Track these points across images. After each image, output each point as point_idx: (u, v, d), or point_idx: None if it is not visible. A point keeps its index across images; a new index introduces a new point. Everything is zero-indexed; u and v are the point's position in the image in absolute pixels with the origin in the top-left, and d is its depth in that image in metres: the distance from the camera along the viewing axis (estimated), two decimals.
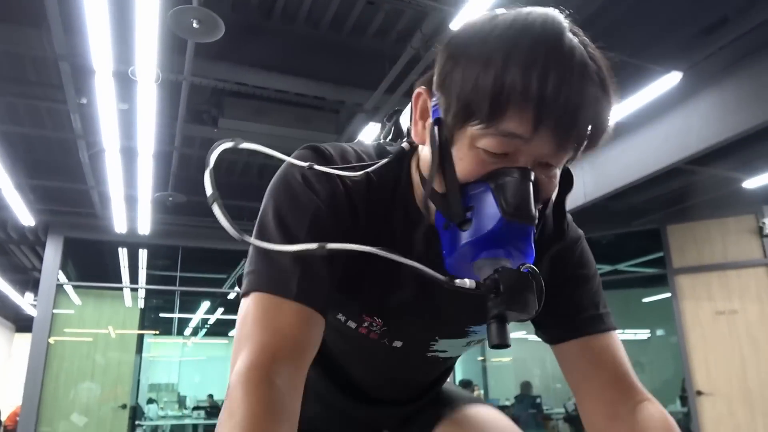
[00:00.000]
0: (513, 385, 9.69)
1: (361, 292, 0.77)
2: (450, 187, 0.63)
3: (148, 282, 8.65)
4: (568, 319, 0.81)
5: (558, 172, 0.65)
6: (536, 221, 0.60)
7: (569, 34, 0.59)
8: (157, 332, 9.86)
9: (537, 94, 0.56)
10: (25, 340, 10.05)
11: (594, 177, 5.06)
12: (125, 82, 3.68)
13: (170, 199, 5.55)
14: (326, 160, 0.72)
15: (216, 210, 0.65)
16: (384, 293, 0.77)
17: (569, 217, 0.82)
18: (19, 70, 4.17)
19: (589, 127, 0.59)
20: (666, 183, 5.14)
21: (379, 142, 0.81)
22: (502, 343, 0.57)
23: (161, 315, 10.17)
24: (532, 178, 0.60)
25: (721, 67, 3.93)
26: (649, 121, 4.45)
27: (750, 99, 3.80)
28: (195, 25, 2.90)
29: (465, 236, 0.61)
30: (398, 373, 0.93)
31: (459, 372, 9.90)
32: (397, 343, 0.85)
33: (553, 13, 0.61)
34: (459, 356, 0.96)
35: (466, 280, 0.60)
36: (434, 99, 0.66)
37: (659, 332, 10.72)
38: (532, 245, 0.61)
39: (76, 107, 4.02)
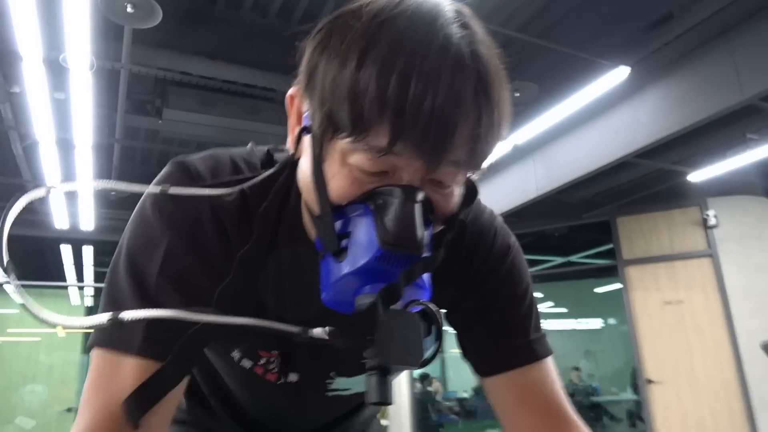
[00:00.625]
0: (472, 377, 9.78)
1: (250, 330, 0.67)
2: (322, 209, 0.53)
3: (96, 279, 8.32)
4: (493, 349, 0.71)
5: (456, 189, 0.55)
6: (423, 249, 0.49)
7: (451, 28, 0.49)
8: None
9: (394, 103, 0.46)
10: None
11: (545, 170, 5.10)
12: (60, 70, 3.48)
13: (113, 192, 5.31)
14: (191, 178, 0.61)
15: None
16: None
17: (498, 224, 0.74)
18: None
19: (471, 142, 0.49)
20: (615, 176, 5.22)
21: (269, 149, 0.69)
22: (382, 401, 0.48)
23: None
24: (419, 198, 0.50)
25: (667, 62, 3.98)
26: (598, 115, 4.49)
27: (695, 94, 3.87)
28: (129, 9, 2.74)
29: (341, 268, 0.51)
30: (301, 412, 0.84)
31: None
32: (293, 377, 0.75)
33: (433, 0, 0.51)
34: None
35: (321, 330, 0.50)
36: (306, 102, 0.56)
37: (611, 321, 11.00)
38: (424, 277, 0.52)
39: (6, 96, 3.78)
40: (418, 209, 0.49)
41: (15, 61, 3.49)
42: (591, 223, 6.51)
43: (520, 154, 5.20)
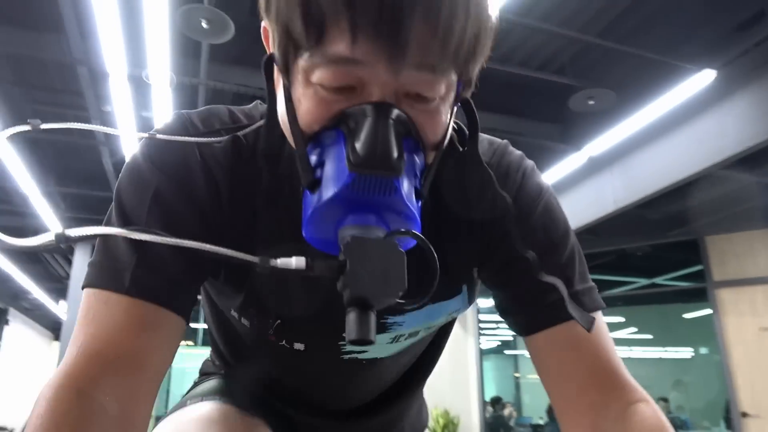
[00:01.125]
0: (548, 403, 9.38)
1: (245, 280, 0.64)
2: (295, 139, 0.50)
3: None
4: (532, 302, 0.65)
5: (441, 106, 0.50)
6: (400, 170, 0.45)
7: None
8: (192, 343, 9.92)
9: None
10: None
11: (624, 182, 4.85)
12: (144, 90, 3.71)
13: None
14: (185, 127, 0.61)
15: None
16: (270, 280, 0.63)
17: (528, 165, 0.68)
18: (44, 78, 4.26)
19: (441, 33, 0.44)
20: (704, 190, 4.89)
21: None
22: (361, 338, 0.43)
23: (191, 326, 10.21)
24: (393, 115, 0.46)
25: (757, 64, 3.72)
26: (682, 122, 4.24)
27: None
28: (204, 25, 2.88)
29: (314, 201, 0.47)
30: (324, 379, 0.78)
31: (490, 388, 9.64)
32: (299, 346, 0.71)
33: None
34: (410, 356, 0.80)
35: (292, 260, 0.46)
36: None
37: (703, 350, 10.24)
38: (408, 203, 0.47)
39: (98, 113, 4.07)
40: (391, 126, 0.46)
41: (107, 82, 3.76)
42: (678, 242, 6.15)
43: (596, 165, 4.98)
